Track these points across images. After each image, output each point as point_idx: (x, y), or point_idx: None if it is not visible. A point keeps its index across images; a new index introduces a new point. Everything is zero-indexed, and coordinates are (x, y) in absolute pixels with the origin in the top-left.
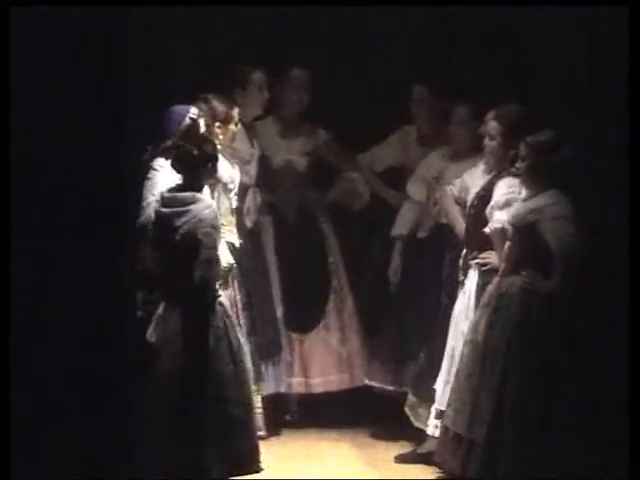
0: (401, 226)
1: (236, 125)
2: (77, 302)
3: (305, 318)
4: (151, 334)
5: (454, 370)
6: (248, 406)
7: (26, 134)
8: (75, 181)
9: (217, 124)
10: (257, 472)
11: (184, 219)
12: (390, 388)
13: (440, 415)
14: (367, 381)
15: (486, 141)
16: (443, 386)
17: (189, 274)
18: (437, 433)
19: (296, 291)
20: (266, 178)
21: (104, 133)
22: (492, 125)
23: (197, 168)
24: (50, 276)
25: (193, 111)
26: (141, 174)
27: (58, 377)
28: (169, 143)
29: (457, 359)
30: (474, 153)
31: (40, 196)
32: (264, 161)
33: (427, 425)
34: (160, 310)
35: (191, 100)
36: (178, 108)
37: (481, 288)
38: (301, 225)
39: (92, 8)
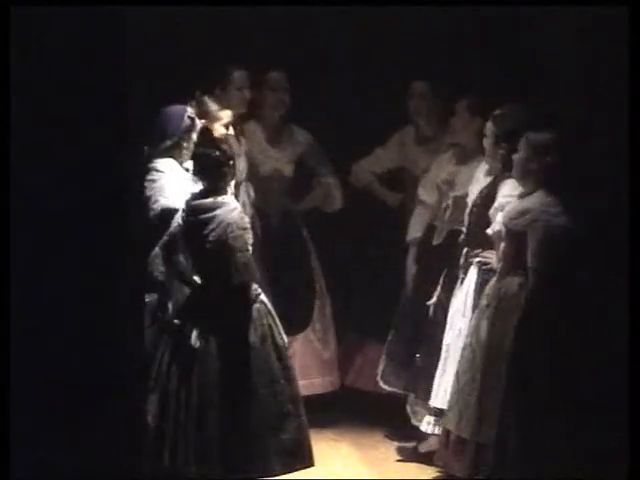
0: (415, 230)
1: (227, 128)
2: (77, 304)
3: (294, 320)
4: (195, 340)
5: (449, 367)
6: (298, 401)
7: (26, 134)
8: (75, 181)
9: (202, 121)
10: (310, 466)
11: (212, 226)
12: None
13: (436, 412)
14: (383, 385)
15: (484, 140)
16: (438, 383)
17: (226, 278)
18: (430, 429)
19: (282, 294)
20: (253, 183)
21: (104, 133)
22: (487, 125)
23: (220, 169)
24: (50, 277)
25: (190, 110)
26: (141, 175)
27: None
28: (168, 143)
29: (452, 356)
30: (482, 154)
31: (40, 196)
32: (251, 168)
33: (421, 422)
34: (200, 315)
35: (185, 100)
36: (175, 108)
37: (480, 287)
38: (284, 230)
39: (92, 8)
